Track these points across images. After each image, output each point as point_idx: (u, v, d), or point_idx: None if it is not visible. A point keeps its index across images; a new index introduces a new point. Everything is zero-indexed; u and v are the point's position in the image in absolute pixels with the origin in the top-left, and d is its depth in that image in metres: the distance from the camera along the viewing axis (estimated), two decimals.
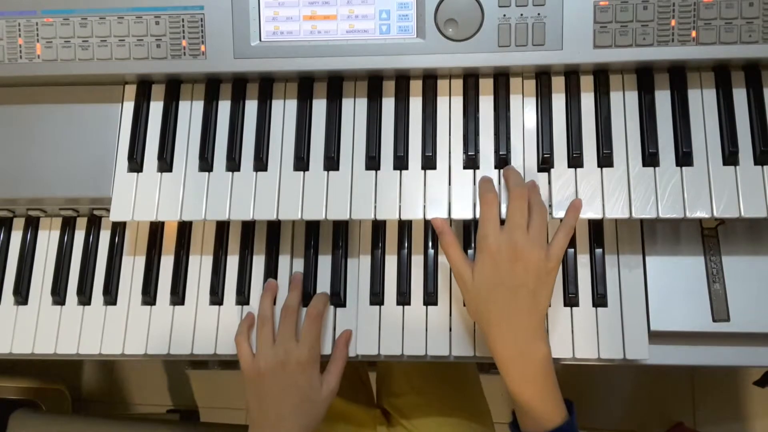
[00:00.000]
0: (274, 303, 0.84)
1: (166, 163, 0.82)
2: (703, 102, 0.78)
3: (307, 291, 0.84)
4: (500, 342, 0.73)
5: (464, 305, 0.81)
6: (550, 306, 0.80)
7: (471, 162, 0.79)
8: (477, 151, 0.79)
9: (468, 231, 0.83)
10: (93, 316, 0.86)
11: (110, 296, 0.86)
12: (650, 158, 0.76)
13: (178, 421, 1.57)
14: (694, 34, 0.74)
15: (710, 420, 1.66)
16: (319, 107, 0.82)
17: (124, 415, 1.78)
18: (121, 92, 0.85)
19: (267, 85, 0.83)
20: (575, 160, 0.78)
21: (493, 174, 0.78)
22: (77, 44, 0.80)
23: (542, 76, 0.81)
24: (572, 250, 0.82)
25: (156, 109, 0.84)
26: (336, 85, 0.83)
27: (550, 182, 0.78)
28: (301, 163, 0.80)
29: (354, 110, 0.82)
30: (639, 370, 1.67)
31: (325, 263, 0.85)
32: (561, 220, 0.76)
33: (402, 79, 0.82)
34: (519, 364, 0.73)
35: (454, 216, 0.78)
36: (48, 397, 1.55)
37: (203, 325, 0.85)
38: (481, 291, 0.74)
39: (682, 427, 1.62)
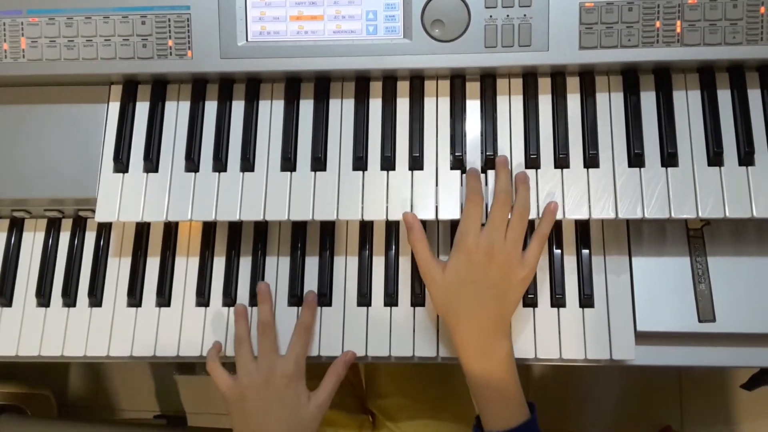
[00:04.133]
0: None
1: (152, 164, 0.82)
2: (688, 103, 0.78)
3: (294, 293, 0.84)
4: (465, 337, 0.74)
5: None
6: (537, 306, 0.81)
7: (458, 163, 0.79)
8: (464, 152, 0.79)
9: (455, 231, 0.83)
10: (78, 318, 0.85)
11: (95, 298, 0.86)
12: (636, 159, 0.77)
13: (165, 426, 1.55)
14: (678, 33, 0.74)
15: (698, 423, 1.66)
16: (307, 108, 0.82)
17: (111, 420, 1.76)
18: (107, 92, 0.84)
19: (254, 86, 0.83)
20: (562, 161, 0.78)
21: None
22: (63, 44, 0.80)
23: (529, 77, 0.81)
24: (559, 251, 0.82)
25: (142, 109, 0.84)
26: (323, 85, 0.83)
27: (537, 183, 0.78)
28: (288, 163, 0.80)
29: (341, 111, 0.82)
30: (627, 372, 1.67)
31: (312, 264, 0.85)
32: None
33: (389, 79, 0.82)
34: (482, 360, 0.74)
35: (441, 216, 0.78)
36: (34, 403, 1.54)
37: (189, 327, 0.84)
38: (452, 286, 0.74)
39: (669, 431, 1.63)
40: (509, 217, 0.75)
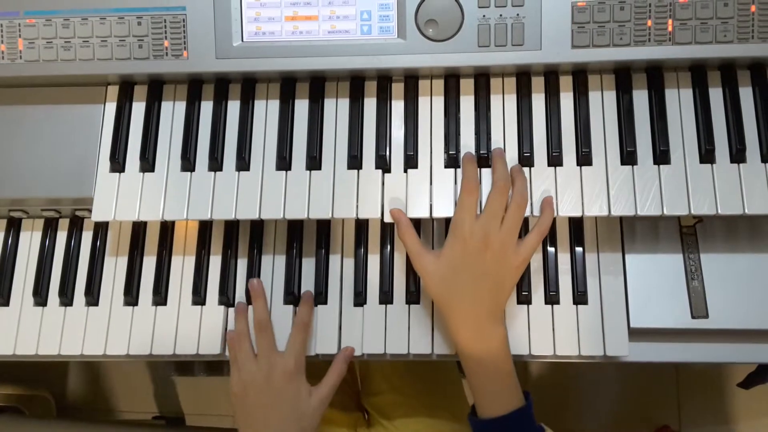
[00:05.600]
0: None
1: (148, 163, 0.82)
2: (680, 101, 0.79)
3: (290, 291, 0.84)
4: (460, 324, 0.75)
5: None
6: (531, 303, 0.81)
7: (452, 161, 0.80)
8: (458, 151, 0.80)
9: None
10: (75, 317, 0.86)
11: (92, 297, 0.86)
12: (628, 157, 0.77)
13: (165, 426, 1.56)
14: (670, 32, 0.75)
15: (695, 422, 1.67)
16: (302, 107, 0.83)
17: (110, 420, 1.76)
18: (104, 93, 0.85)
19: (249, 86, 0.84)
20: (555, 159, 0.79)
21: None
22: (59, 45, 0.81)
23: (522, 77, 0.82)
24: (553, 249, 0.83)
25: (138, 109, 0.85)
26: (318, 85, 0.83)
27: (530, 181, 0.78)
28: (284, 162, 0.81)
29: (336, 110, 0.83)
30: (624, 372, 1.68)
31: (308, 263, 0.85)
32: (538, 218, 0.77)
33: (384, 79, 0.83)
34: (477, 346, 0.74)
35: (435, 215, 0.79)
36: (32, 404, 1.54)
37: (186, 325, 0.84)
38: (447, 274, 0.75)
39: (667, 430, 1.63)
40: (506, 206, 0.75)
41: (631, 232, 0.82)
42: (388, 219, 0.79)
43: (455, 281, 0.75)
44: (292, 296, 0.84)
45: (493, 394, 0.74)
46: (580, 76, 0.81)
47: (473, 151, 0.80)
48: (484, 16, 0.77)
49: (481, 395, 0.75)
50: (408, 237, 0.77)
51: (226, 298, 0.85)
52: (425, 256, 0.76)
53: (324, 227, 0.86)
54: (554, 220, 0.82)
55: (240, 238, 0.87)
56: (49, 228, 0.90)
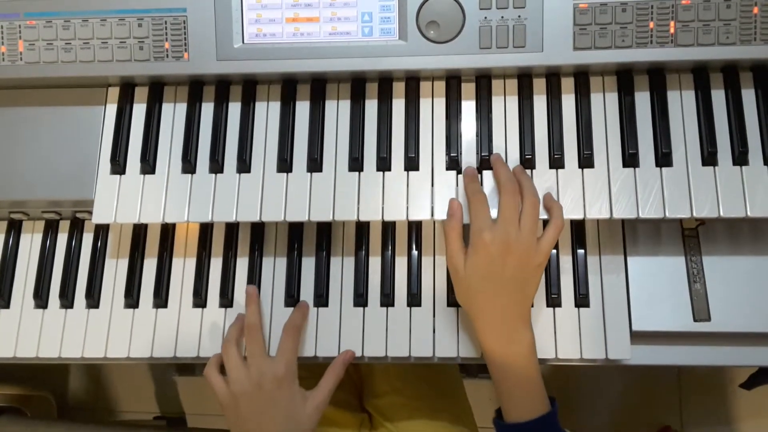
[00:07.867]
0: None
1: (149, 165, 0.82)
2: (682, 103, 0.79)
3: (291, 293, 0.84)
4: (488, 329, 0.75)
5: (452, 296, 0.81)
6: (533, 306, 0.81)
7: (453, 163, 0.80)
8: (459, 153, 0.80)
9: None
10: (75, 319, 0.86)
11: (93, 299, 0.86)
12: (630, 159, 0.77)
13: (166, 426, 1.56)
14: (672, 33, 0.75)
15: (697, 423, 1.66)
16: (303, 109, 0.83)
17: (110, 421, 1.76)
18: (104, 95, 0.85)
19: (250, 87, 0.84)
20: (556, 161, 0.78)
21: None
22: (60, 46, 0.80)
23: (524, 78, 0.81)
24: (555, 251, 0.82)
25: (139, 111, 0.84)
26: (319, 87, 0.83)
27: None
28: (285, 164, 0.81)
29: (337, 112, 0.82)
30: (626, 373, 1.67)
31: (308, 265, 0.85)
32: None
33: (385, 81, 0.83)
34: (504, 350, 0.74)
35: (436, 217, 0.78)
36: (33, 405, 1.54)
37: (186, 327, 0.84)
38: (472, 281, 0.75)
39: (669, 431, 1.63)
40: (519, 207, 0.75)
41: (633, 234, 0.82)
42: (388, 218, 0.78)
43: (480, 289, 0.75)
44: (292, 299, 0.84)
45: (519, 400, 0.74)
46: (582, 77, 0.81)
47: (474, 153, 0.80)
48: (485, 17, 0.77)
49: (507, 400, 0.75)
50: (453, 234, 0.76)
51: (226, 300, 0.85)
52: (459, 259, 0.75)
53: (325, 229, 0.86)
54: None
55: (240, 241, 0.87)
56: (50, 230, 0.90)
